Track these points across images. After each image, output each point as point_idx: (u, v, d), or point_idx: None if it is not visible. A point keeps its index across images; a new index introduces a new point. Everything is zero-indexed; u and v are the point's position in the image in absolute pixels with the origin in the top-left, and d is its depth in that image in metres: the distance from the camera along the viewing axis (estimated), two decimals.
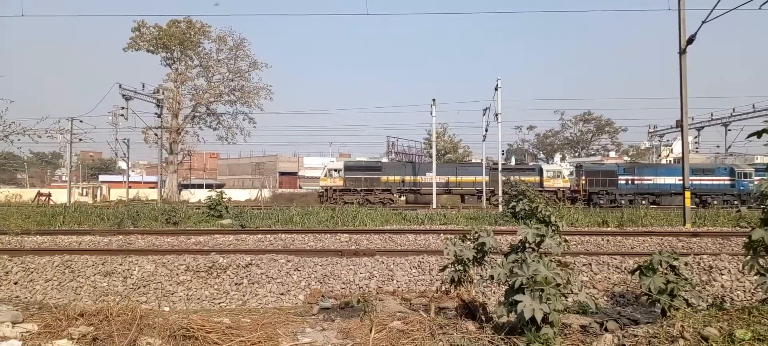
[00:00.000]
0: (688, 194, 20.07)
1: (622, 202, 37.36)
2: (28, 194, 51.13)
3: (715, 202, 39.35)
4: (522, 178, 40.50)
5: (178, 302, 9.14)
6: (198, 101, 52.12)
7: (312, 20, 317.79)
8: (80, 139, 43.93)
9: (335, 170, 42.38)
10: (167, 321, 5.24)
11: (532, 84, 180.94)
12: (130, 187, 51.78)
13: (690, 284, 5.36)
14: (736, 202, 39.19)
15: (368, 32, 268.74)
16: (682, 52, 19.67)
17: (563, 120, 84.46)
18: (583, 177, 40.80)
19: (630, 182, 40.88)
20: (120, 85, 36.51)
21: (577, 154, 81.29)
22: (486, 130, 38.30)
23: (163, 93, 43.86)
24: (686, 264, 5.58)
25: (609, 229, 18.31)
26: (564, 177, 41.90)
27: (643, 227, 19.20)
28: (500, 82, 32.19)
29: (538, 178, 40.88)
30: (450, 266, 5.62)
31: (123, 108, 37.65)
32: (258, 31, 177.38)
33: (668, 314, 5.06)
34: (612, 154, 79.44)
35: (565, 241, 5.14)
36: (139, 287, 9.58)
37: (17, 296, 9.48)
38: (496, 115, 33.00)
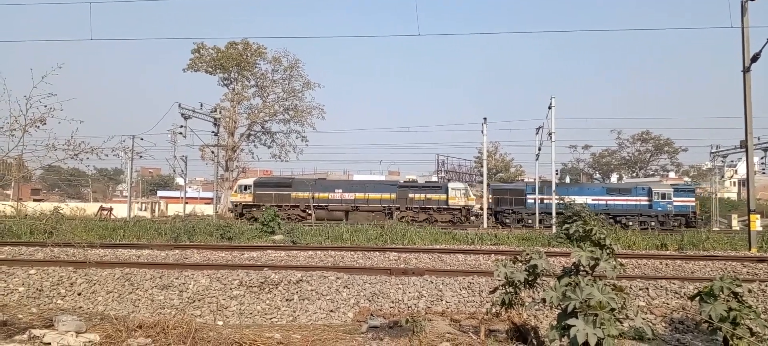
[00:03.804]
0: (754, 217, 19.18)
1: (530, 221, 38.00)
2: (91, 208, 53.28)
3: (631, 223, 38.10)
4: (428, 196, 40.27)
5: (231, 316, 9.33)
6: (253, 120, 53.45)
7: (364, 40, 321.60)
8: (141, 156, 45.55)
9: (246, 187, 42.27)
10: (221, 335, 5.37)
11: (588, 103, 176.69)
12: (186, 202, 53.25)
13: (754, 312, 5.11)
14: (653, 222, 38.39)
15: (420, 51, 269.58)
16: (746, 70, 18.94)
17: (620, 139, 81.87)
18: (490, 196, 40.67)
19: (540, 201, 40.26)
20: (179, 105, 37.63)
21: (634, 174, 78.70)
22: (539, 150, 37.72)
23: (220, 112, 45.10)
24: (750, 291, 5.33)
25: (668, 252, 17.69)
26: (470, 196, 41.42)
27: (704, 250, 18.46)
28: (554, 100, 31.84)
29: (444, 196, 40.65)
30: (501, 287, 5.55)
31: (181, 126, 38.74)
32: (312, 51, 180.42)
33: (731, 343, 4.85)
34: (671, 175, 76.66)
35: (621, 264, 5.01)
36: (194, 301, 9.83)
37: (80, 307, 9.89)
38: (550, 134, 32.54)
